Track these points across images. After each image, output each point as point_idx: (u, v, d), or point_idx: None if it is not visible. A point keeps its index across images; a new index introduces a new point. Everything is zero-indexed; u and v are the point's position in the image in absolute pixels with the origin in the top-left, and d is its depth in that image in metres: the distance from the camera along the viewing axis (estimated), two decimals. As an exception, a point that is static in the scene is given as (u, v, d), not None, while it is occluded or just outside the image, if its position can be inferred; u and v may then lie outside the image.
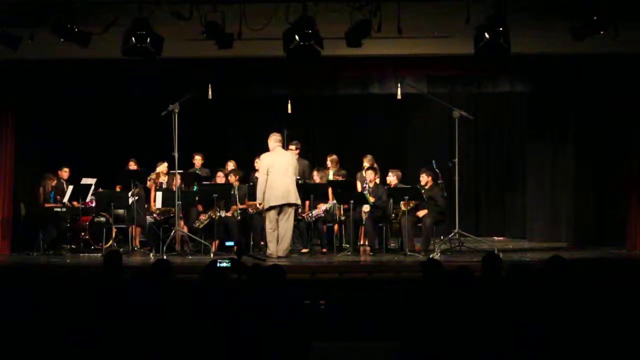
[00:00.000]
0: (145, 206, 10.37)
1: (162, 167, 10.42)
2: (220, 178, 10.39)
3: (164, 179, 10.46)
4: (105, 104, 11.59)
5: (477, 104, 12.21)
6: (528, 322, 4.17)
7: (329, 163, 10.74)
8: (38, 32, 8.21)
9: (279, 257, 9.06)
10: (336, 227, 10.25)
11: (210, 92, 10.27)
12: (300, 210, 10.06)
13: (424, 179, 10.00)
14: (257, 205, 9.82)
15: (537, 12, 8.27)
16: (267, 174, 9.33)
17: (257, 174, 10.09)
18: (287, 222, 9.34)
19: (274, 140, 9.53)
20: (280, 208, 9.31)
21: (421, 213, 9.77)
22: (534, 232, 11.74)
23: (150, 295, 4.55)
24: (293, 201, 9.38)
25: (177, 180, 9.89)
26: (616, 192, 10.41)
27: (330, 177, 10.47)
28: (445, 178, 10.21)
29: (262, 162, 9.50)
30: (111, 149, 11.71)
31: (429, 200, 9.82)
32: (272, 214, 9.33)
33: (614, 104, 10.30)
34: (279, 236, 9.28)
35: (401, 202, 9.65)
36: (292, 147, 10.64)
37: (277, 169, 9.33)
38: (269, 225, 9.35)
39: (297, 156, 10.62)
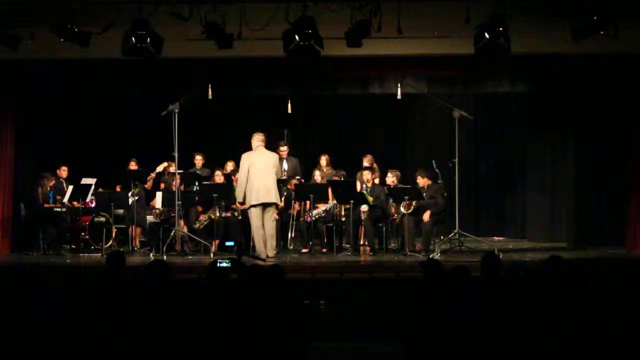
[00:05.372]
0: (154, 209, 10.31)
1: (161, 167, 10.38)
2: (218, 178, 10.38)
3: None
4: (105, 104, 11.59)
5: (477, 104, 12.21)
6: (527, 322, 4.17)
7: (322, 162, 10.76)
8: (38, 32, 8.21)
9: (268, 257, 9.01)
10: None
11: (210, 92, 10.29)
12: (300, 210, 10.06)
13: (421, 181, 9.97)
14: (238, 205, 9.83)
15: (537, 12, 8.29)
16: (248, 173, 9.29)
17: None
18: (271, 222, 9.33)
19: (256, 139, 9.50)
20: (262, 208, 9.29)
21: (426, 216, 9.76)
22: (534, 232, 11.75)
23: (148, 295, 4.55)
24: (273, 200, 9.35)
25: (177, 180, 9.89)
26: (616, 192, 10.40)
27: (317, 177, 10.44)
28: (445, 178, 10.21)
29: (243, 161, 9.45)
30: (111, 149, 11.69)
31: (430, 200, 9.82)
32: (254, 214, 9.28)
33: (614, 104, 10.30)
34: (265, 236, 9.25)
35: (402, 204, 9.63)
36: (283, 147, 10.64)
37: (257, 169, 9.29)
38: (254, 225, 9.31)
39: (286, 155, 10.61)
